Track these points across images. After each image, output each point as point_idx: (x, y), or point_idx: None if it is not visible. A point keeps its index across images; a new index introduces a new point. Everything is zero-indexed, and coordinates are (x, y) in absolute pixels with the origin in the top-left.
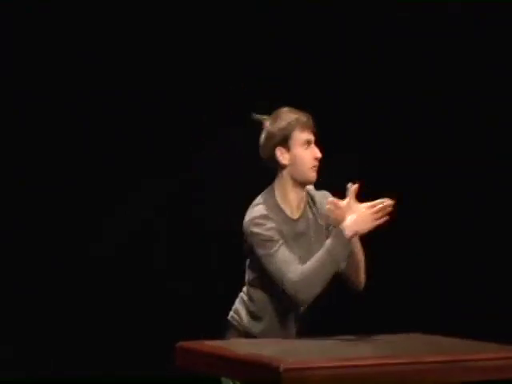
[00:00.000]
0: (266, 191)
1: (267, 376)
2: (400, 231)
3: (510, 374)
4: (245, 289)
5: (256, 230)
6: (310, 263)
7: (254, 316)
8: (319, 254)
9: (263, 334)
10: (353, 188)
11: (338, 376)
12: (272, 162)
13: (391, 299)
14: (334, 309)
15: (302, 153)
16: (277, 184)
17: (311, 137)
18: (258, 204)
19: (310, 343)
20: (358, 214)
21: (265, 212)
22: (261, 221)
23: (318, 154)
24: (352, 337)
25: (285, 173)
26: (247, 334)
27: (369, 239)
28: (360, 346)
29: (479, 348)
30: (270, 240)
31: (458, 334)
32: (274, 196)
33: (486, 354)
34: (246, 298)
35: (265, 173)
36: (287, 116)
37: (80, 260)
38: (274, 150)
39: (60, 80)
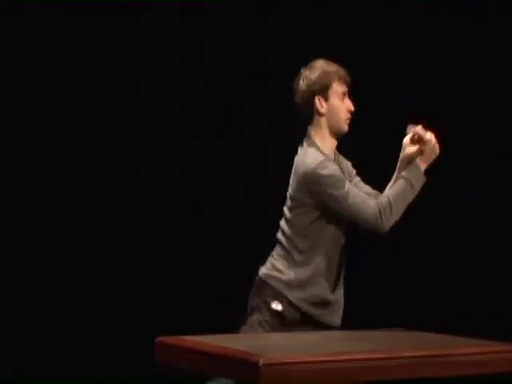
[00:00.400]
0: (305, 139)
1: (247, 371)
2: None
3: (488, 369)
4: (285, 243)
5: (326, 172)
6: (392, 191)
7: (300, 264)
8: (399, 184)
9: (310, 282)
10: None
11: (317, 371)
12: (308, 109)
13: (378, 295)
14: None
15: (339, 103)
16: (313, 132)
17: (347, 89)
18: (308, 150)
19: (290, 338)
20: (426, 147)
21: (322, 156)
22: (326, 163)
23: (352, 107)
24: (332, 332)
25: (322, 121)
26: (288, 286)
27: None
28: (339, 341)
29: (458, 343)
30: (341, 180)
31: (441, 330)
32: (314, 143)
33: (464, 348)
34: (289, 249)
35: None
36: (328, 67)
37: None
38: (313, 98)
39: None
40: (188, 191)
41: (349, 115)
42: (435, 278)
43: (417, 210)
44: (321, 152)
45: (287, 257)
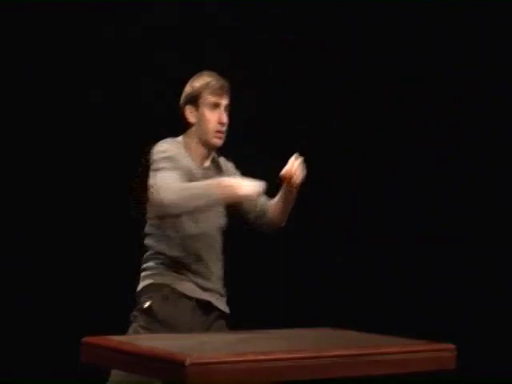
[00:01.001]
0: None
1: (173, 371)
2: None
3: (413, 367)
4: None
5: (157, 148)
6: (190, 184)
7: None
8: (199, 183)
9: (180, 262)
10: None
11: (243, 370)
12: (182, 118)
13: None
14: (252, 304)
15: (208, 114)
16: (183, 140)
17: (221, 101)
18: (165, 141)
19: (217, 338)
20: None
21: (170, 145)
22: (166, 145)
23: (223, 119)
24: (260, 332)
25: (192, 130)
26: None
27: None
28: (267, 340)
29: (385, 342)
30: (164, 159)
31: (367, 329)
32: (179, 143)
33: (391, 347)
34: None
35: None
36: (201, 78)
37: None
38: (184, 107)
39: None
40: None
41: (219, 127)
42: (362, 277)
43: (346, 207)
44: (174, 145)
45: (154, 257)
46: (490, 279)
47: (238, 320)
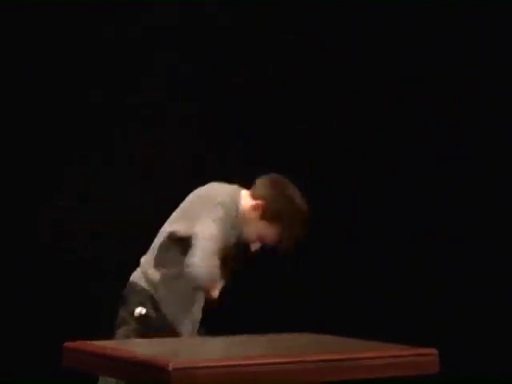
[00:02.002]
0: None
1: (156, 376)
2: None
3: (390, 372)
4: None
5: (220, 209)
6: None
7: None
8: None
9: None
10: None
11: (226, 375)
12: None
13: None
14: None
15: (263, 238)
16: (243, 205)
17: None
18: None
19: (200, 343)
20: None
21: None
22: (226, 208)
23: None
24: (241, 336)
25: (251, 215)
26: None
27: None
28: (249, 345)
29: (365, 347)
30: (219, 220)
31: (353, 334)
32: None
33: (373, 352)
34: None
35: None
36: (299, 212)
37: None
38: (265, 208)
39: None
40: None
41: (258, 247)
42: (342, 281)
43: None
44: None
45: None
46: (482, 281)
47: (221, 325)
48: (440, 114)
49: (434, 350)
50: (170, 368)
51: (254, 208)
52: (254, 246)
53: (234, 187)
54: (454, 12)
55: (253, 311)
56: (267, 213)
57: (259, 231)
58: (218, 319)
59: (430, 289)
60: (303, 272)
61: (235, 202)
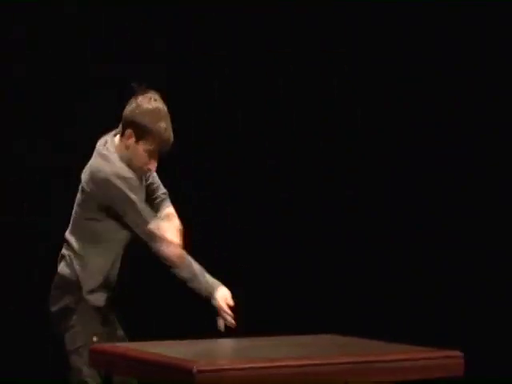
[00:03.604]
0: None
1: (181, 378)
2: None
3: (420, 374)
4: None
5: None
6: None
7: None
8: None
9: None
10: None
11: (251, 377)
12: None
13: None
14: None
15: (144, 157)
16: (117, 149)
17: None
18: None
19: (224, 345)
20: None
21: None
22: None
23: (153, 169)
24: (266, 338)
25: (124, 147)
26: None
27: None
28: (273, 347)
29: (390, 349)
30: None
31: (372, 336)
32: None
33: (398, 354)
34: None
35: None
36: (157, 116)
37: None
38: (127, 128)
39: None
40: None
41: (148, 168)
42: (368, 282)
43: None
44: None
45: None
46: (496, 280)
47: (241, 327)
48: (440, 114)
49: (459, 353)
50: (195, 370)
51: (128, 138)
52: (152, 166)
53: (100, 148)
54: (453, 12)
55: (271, 312)
56: (138, 132)
57: (145, 151)
58: (239, 321)
59: (431, 289)
60: (325, 272)
61: (114, 160)
